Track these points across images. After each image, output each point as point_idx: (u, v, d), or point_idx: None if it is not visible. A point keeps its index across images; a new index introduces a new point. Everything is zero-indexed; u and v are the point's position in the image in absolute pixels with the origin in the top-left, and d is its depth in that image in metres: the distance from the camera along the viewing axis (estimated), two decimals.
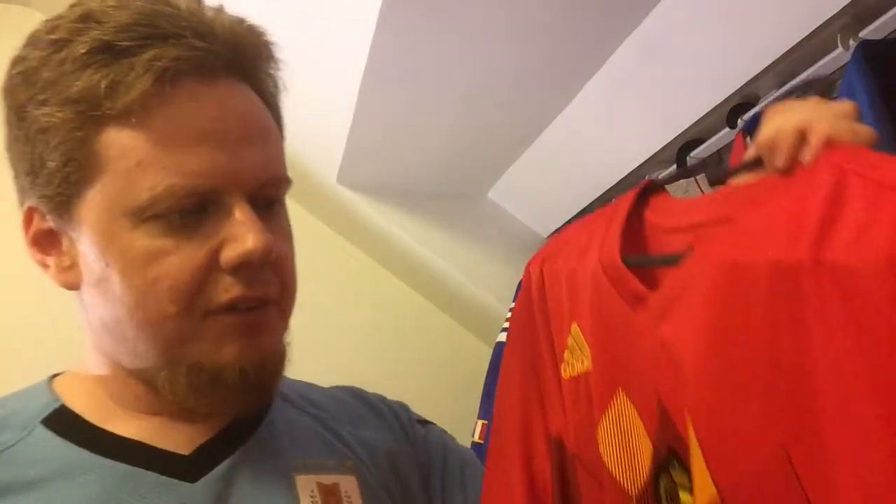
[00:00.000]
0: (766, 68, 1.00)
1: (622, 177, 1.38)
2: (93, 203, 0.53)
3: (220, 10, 0.56)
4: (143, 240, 0.52)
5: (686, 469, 0.51)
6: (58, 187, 0.53)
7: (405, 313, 2.06)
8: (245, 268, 0.54)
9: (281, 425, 0.63)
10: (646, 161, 1.31)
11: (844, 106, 0.50)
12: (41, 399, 0.58)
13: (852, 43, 0.84)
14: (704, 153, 1.15)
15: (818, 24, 0.90)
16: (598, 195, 1.47)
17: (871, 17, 0.83)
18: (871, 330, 0.38)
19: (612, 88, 1.22)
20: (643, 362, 0.55)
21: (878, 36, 0.82)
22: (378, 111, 1.35)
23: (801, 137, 0.49)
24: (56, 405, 0.57)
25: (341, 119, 1.40)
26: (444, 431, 0.75)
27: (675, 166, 1.20)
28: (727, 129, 1.08)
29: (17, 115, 0.54)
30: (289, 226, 0.62)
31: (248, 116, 0.57)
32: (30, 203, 0.56)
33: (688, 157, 1.18)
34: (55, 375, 0.62)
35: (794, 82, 0.95)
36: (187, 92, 0.53)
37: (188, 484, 0.55)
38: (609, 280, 0.59)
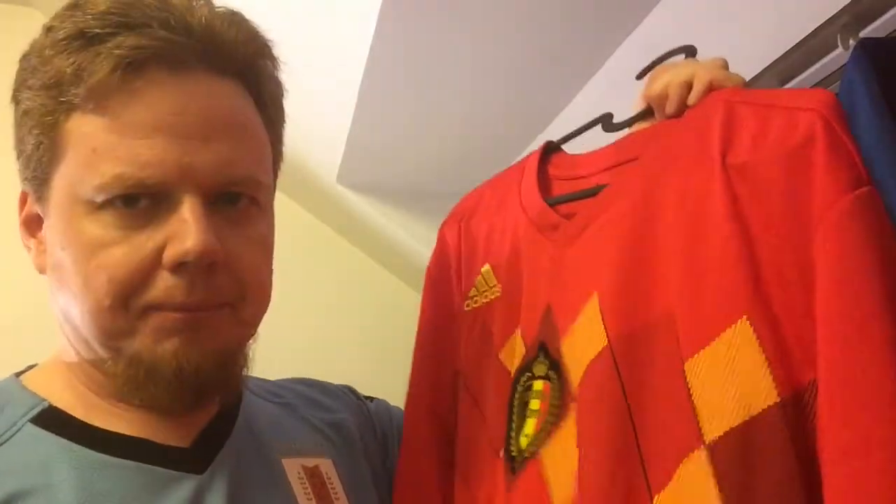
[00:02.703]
0: (767, 68, 1.00)
1: None
2: (57, 187, 0.54)
3: (206, 3, 0.55)
4: (94, 228, 0.52)
5: (549, 357, 0.61)
6: (34, 170, 0.55)
7: (405, 313, 2.05)
8: (183, 268, 0.52)
9: (255, 414, 0.65)
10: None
11: (717, 59, 0.63)
12: (19, 398, 0.57)
13: (852, 43, 0.84)
14: None
15: (818, 24, 0.90)
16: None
17: (871, 17, 0.83)
18: (770, 206, 0.50)
19: (613, 88, 1.22)
20: (540, 280, 0.64)
21: (879, 36, 0.82)
22: (378, 111, 1.35)
23: (688, 87, 0.60)
24: (43, 405, 0.56)
25: (341, 119, 1.40)
26: (387, 403, 0.79)
27: None
28: None
29: (14, 99, 0.56)
30: (265, 231, 0.59)
31: (215, 112, 0.54)
32: (23, 186, 0.58)
33: None
34: (20, 373, 0.61)
35: (794, 82, 0.95)
36: (149, 82, 0.52)
37: (198, 476, 0.56)
38: (528, 219, 0.67)
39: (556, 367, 0.61)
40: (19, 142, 0.56)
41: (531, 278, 0.66)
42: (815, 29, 0.90)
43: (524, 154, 1.59)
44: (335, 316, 2.02)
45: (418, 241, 1.74)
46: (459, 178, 1.74)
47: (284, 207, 2.20)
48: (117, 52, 0.50)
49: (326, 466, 0.64)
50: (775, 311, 0.48)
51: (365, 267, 2.11)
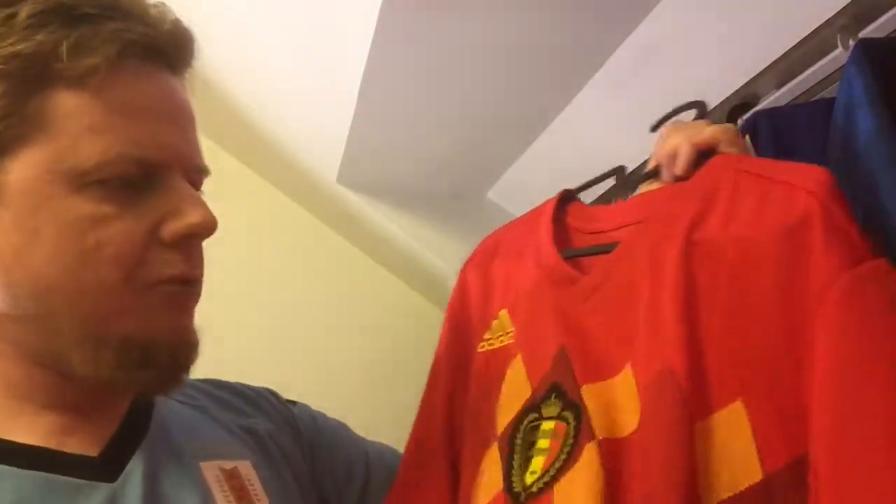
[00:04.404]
0: (766, 68, 1.00)
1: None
2: (26, 163, 0.51)
3: (163, 3, 0.57)
4: (85, 204, 0.51)
5: (563, 398, 0.62)
6: None
7: (405, 313, 2.06)
8: (186, 242, 0.54)
9: (169, 416, 0.63)
10: (645, 161, 1.31)
11: (729, 126, 0.66)
12: None
13: (852, 43, 0.84)
14: None
15: (818, 24, 0.90)
16: (598, 195, 1.47)
17: (871, 17, 0.83)
18: (756, 282, 0.52)
19: (612, 88, 1.22)
20: (553, 326, 0.65)
21: (878, 36, 0.82)
22: (378, 111, 1.35)
23: (693, 150, 0.63)
24: None
25: (341, 119, 1.40)
26: (309, 407, 0.78)
27: None
28: None
29: None
30: None
31: (185, 103, 0.58)
32: None
33: None
34: None
35: (794, 82, 0.95)
36: (139, 69, 0.54)
37: (109, 484, 0.54)
38: (544, 270, 0.69)
39: (574, 409, 0.60)
40: None
41: (542, 325, 0.67)
42: (815, 29, 0.90)
43: (523, 155, 1.59)
44: (335, 315, 2.02)
45: (418, 240, 1.74)
46: (459, 178, 1.75)
47: (284, 207, 2.21)
48: (126, 35, 0.52)
49: (245, 468, 0.62)
50: (767, 391, 0.50)
51: (365, 267, 2.11)
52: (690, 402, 0.52)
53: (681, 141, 0.65)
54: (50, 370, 0.55)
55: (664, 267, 0.58)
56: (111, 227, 0.51)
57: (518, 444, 0.63)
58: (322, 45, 1.28)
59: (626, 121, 1.31)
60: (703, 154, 0.64)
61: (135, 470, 0.56)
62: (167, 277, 0.53)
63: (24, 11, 0.50)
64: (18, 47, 0.50)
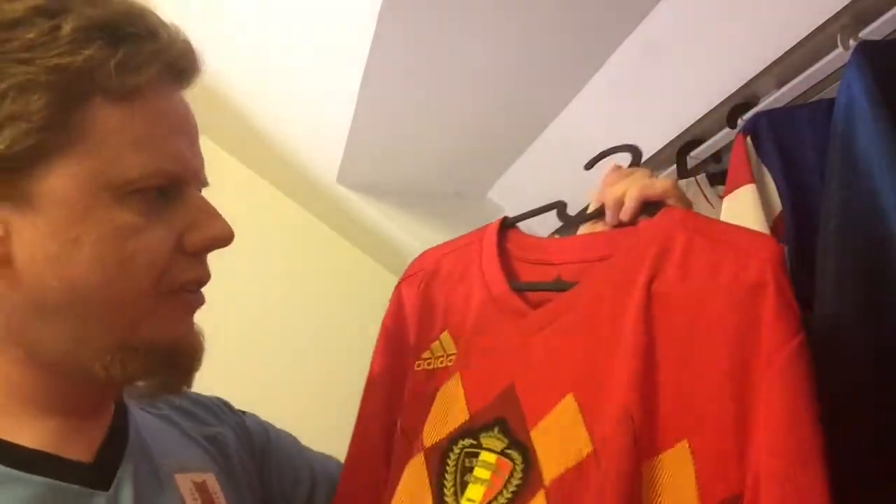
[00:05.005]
0: (766, 68, 1.00)
1: None
2: (64, 173, 0.52)
3: (174, 23, 0.59)
4: (125, 214, 0.53)
5: (509, 435, 0.63)
6: (26, 150, 0.51)
7: None
8: (204, 251, 0.58)
9: (142, 426, 0.64)
10: (645, 161, 1.31)
11: (673, 181, 0.69)
12: None
13: (852, 43, 0.84)
14: (704, 153, 1.16)
15: (818, 24, 0.90)
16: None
17: (871, 17, 0.83)
18: (709, 337, 0.57)
19: (612, 88, 1.22)
20: (501, 358, 0.67)
21: (878, 36, 0.82)
22: (378, 111, 1.35)
23: (642, 200, 0.66)
24: None
25: (341, 119, 1.40)
26: (259, 417, 0.80)
27: (674, 166, 1.20)
28: (727, 129, 1.08)
29: None
30: None
31: (195, 119, 0.61)
32: None
33: (688, 157, 1.18)
34: None
35: (794, 82, 0.95)
36: (168, 87, 0.57)
37: (105, 493, 0.56)
38: (492, 299, 0.71)
39: (521, 450, 0.63)
40: None
41: (490, 354, 0.69)
42: (815, 29, 0.91)
43: (523, 155, 1.60)
44: (335, 316, 2.03)
45: (418, 240, 1.74)
46: (459, 178, 1.75)
47: (284, 207, 2.21)
48: (167, 56, 0.56)
49: (211, 481, 0.65)
50: (711, 433, 0.55)
51: (365, 267, 2.11)
52: (641, 438, 0.56)
53: (630, 189, 0.68)
54: (59, 375, 0.56)
55: (625, 312, 0.61)
56: (146, 236, 0.54)
57: (450, 465, 0.65)
58: (322, 45, 1.28)
59: (626, 121, 1.31)
60: (648, 203, 0.67)
61: (124, 478, 0.58)
62: (187, 282, 0.57)
63: (68, 25, 0.51)
64: (65, 60, 0.51)
